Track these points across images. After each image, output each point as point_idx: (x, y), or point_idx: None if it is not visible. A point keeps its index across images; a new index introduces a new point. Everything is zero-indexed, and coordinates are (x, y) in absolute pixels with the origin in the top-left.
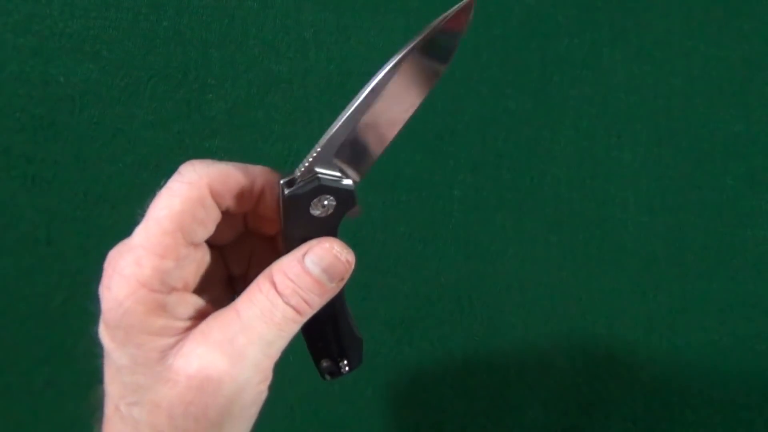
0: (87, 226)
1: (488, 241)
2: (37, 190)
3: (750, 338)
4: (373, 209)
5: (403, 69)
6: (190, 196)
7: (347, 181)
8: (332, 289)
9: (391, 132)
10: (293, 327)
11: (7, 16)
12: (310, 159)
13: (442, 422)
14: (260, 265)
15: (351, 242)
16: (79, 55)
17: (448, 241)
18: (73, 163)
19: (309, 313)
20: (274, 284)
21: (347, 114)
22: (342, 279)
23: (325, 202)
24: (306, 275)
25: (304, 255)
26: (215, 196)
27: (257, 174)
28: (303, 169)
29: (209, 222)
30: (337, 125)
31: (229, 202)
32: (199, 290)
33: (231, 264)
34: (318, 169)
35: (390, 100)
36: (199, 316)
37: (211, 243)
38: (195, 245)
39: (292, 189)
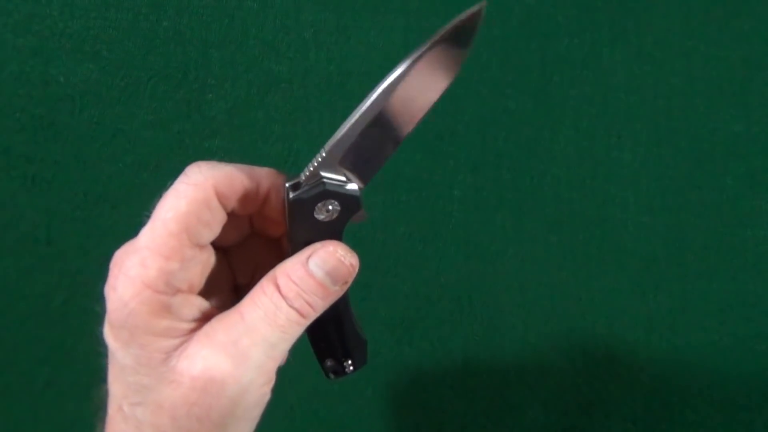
0: (87, 226)
1: (488, 241)
2: (37, 190)
3: (750, 338)
4: (373, 209)
5: (410, 77)
6: (196, 197)
7: (352, 186)
8: (336, 292)
9: (397, 139)
10: (297, 329)
11: (7, 16)
12: (316, 163)
13: (442, 422)
14: (265, 271)
15: (351, 242)
16: (79, 55)
17: (448, 241)
18: (73, 163)
19: (313, 315)
20: (278, 287)
21: (353, 119)
22: (346, 282)
23: (330, 207)
24: (310, 278)
25: (308, 258)
26: (221, 197)
27: (263, 176)
28: (308, 173)
29: (215, 223)
30: (344, 130)
31: (234, 203)
32: (204, 293)
33: (236, 268)
34: (323, 174)
35: (396, 108)
36: (204, 318)
37: (216, 245)
38: (200, 247)
39: (297, 193)
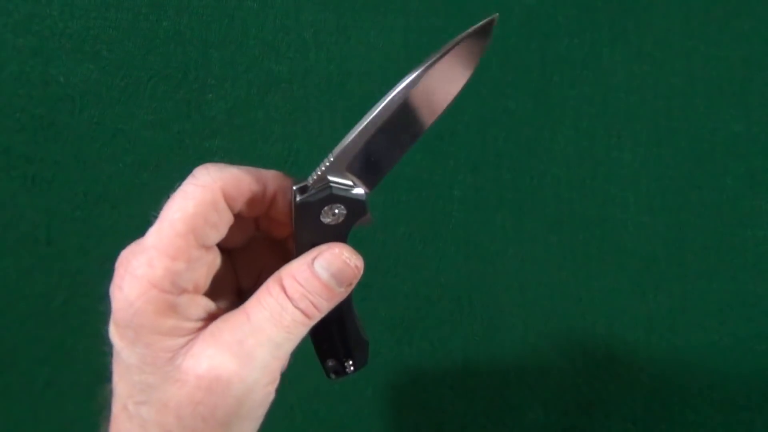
0: (87, 226)
1: (488, 241)
2: (37, 190)
3: (750, 338)
4: (373, 209)
5: (419, 86)
6: (204, 199)
7: (358, 191)
8: (340, 294)
9: (405, 145)
10: (302, 330)
11: (7, 16)
12: (323, 167)
13: (442, 422)
14: (269, 274)
15: (351, 243)
16: (79, 55)
17: (448, 241)
18: (73, 163)
19: (317, 316)
20: (283, 288)
21: (362, 126)
22: (350, 284)
23: (336, 211)
24: (315, 279)
25: (313, 259)
26: (228, 199)
27: (270, 179)
28: (316, 176)
29: (221, 225)
30: (352, 136)
31: (241, 205)
32: (209, 294)
33: (240, 270)
34: (330, 178)
35: (404, 116)
36: (209, 318)
37: (222, 247)
38: (207, 248)
39: (304, 196)
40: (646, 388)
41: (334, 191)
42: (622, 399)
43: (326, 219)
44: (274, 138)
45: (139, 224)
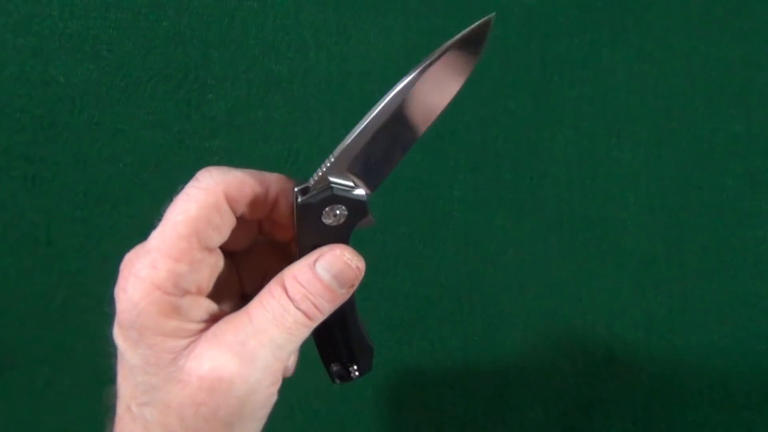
0: (87, 226)
1: (488, 241)
2: (37, 190)
3: (750, 338)
4: (373, 209)
5: (419, 86)
6: (207, 201)
7: (359, 192)
8: (342, 295)
9: (405, 146)
10: (304, 331)
11: (7, 16)
12: (324, 168)
13: (442, 422)
14: (272, 277)
15: (351, 243)
16: (79, 55)
17: (448, 241)
18: (73, 163)
19: (319, 318)
20: (285, 289)
21: (362, 126)
22: (352, 285)
23: (337, 212)
24: (317, 281)
25: (315, 261)
26: (231, 202)
27: (272, 181)
28: (317, 178)
29: (224, 227)
30: (352, 137)
31: (244, 208)
32: (212, 296)
33: (243, 273)
34: (331, 179)
35: (405, 117)
36: (212, 320)
37: (225, 250)
38: (210, 250)
39: (305, 197)
40: (646, 388)
41: (335, 192)
42: (622, 399)
43: (328, 220)
44: (274, 138)
45: (139, 224)
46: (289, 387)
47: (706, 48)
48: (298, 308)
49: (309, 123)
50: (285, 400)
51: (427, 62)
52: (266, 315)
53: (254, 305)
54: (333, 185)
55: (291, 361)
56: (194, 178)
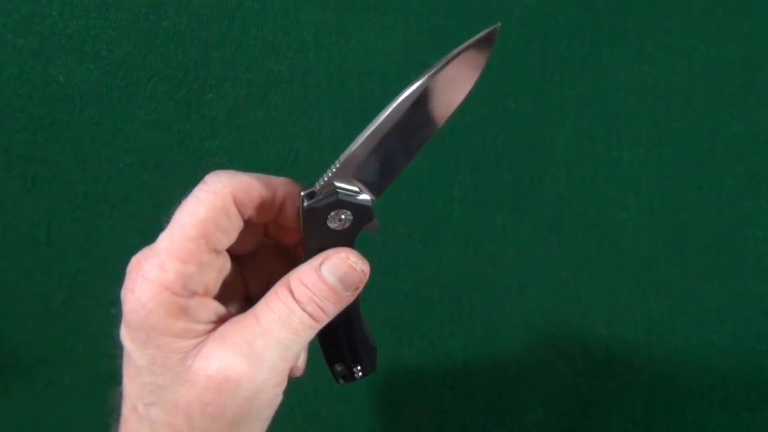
0: (87, 226)
1: (488, 241)
2: (37, 190)
3: (750, 338)
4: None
5: (425, 93)
6: (215, 204)
7: (364, 197)
8: (347, 298)
9: (411, 152)
10: (309, 332)
11: (7, 16)
12: (330, 173)
13: (442, 422)
14: (277, 281)
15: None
16: (79, 55)
17: (448, 241)
18: (73, 163)
19: (324, 320)
20: (291, 291)
21: (368, 132)
22: (357, 288)
23: (342, 216)
24: (322, 283)
25: (320, 264)
26: (238, 205)
27: (279, 185)
28: (323, 182)
29: (232, 230)
30: (358, 142)
31: (251, 211)
32: (219, 298)
33: (249, 277)
34: (337, 184)
35: (411, 123)
36: (219, 321)
37: (232, 253)
38: (217, 252)
39: (311, 202)
40: (646, 388)
41: (341, 197)
42: (622, 399)
43: (333, 224)
44: (274, 138)
45: (139, 224)
46: (289, 387)
47: (706, 48)
48: (304, 310)
49: (309, 123)
50: (285, 400)
51: (434, 70)
52: (273, 316)
53: (261, 306)
54: (338, 190)
55: (301, 361)
56: (203, 181)
